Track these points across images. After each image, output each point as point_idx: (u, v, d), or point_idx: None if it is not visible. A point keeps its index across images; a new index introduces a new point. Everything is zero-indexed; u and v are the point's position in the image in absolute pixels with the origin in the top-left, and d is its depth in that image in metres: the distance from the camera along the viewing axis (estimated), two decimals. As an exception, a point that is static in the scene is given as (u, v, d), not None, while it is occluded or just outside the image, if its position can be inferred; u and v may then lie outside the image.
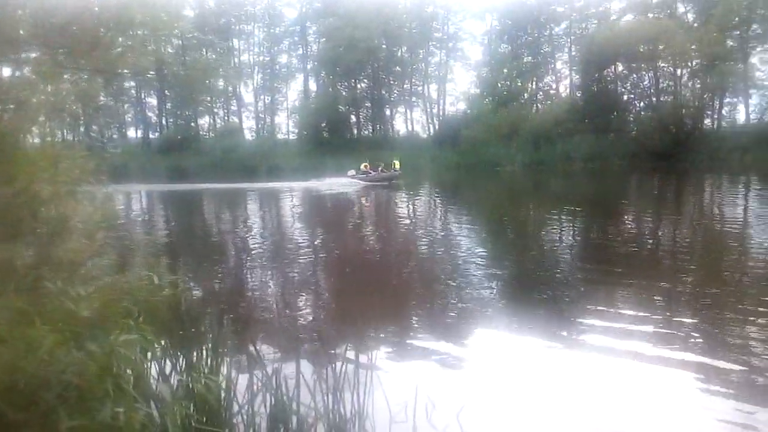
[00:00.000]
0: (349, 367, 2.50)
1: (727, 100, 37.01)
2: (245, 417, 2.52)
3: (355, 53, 39.51)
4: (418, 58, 42.13)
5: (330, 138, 41.00)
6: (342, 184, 23.46)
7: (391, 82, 42.72)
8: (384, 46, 40.58)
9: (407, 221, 13.13)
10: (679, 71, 37.61)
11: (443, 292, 6.08)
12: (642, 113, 37.46)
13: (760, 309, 4.93)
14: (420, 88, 43.17)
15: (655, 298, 5.59)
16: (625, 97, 37.81)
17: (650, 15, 37.69)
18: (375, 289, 6.18)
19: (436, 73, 42.51)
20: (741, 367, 3.74)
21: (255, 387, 2.54)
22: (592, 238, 10.25)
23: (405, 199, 19.51)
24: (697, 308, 5.16)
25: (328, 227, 12.83)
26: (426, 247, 9.24)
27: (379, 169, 24.79)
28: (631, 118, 37.53)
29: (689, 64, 37.34)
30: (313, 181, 24.86)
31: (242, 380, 2.64)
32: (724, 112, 37.06)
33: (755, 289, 5.91)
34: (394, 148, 40.14)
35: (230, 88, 44.12)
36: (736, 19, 36.06)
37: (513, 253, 8.62)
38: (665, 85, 37.59)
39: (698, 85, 37.24)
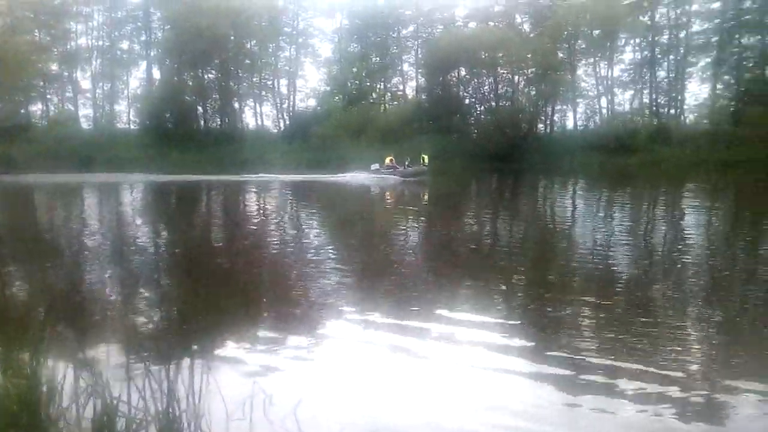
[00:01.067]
0: (184, 365, 2.68)
1: (558, 107, 44.86)
2: (68, 421, 2.67)
3: (202, 42, 43.37)
4: (267, 51, 46.88)
5: (175, 129, 43.91)
6: (367, 178, 25.29)
7: (241, 74, 46.83)
8: (233, 38, 44.66)
9: (259, 218, 13.78)
10: (516, 78, 45.63)
11: (288, 288, 6.61)
12: (482, 116, 44.54)
13: (584, 299, 5.86)
14: (270, 83, 48.14)
15: (492, 289, 6.41)
16: (467, 101, 44.97)
17: (491, 24, 45.90)
18: (218, 286, 6.64)
19: (287, 68, 47.59)
20: (567, 354, 4.23)
21: (80, 390, 2.69)
22: (434, 235, 11.60)
23: (254, 198, 20.34)
24: (529, 300, 5.96)
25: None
26: (277, 242, 10.12)
27: (405, 163, 26.72)
28: (473, 121, 44.49)
29: (525, 72, 45.60)
30: (339, 174, 26.98)
31: (68, 383, 2.77)
32: (555, 118, 45.06)
33: (579, 282, 6.90)
34: (243, 141, 45.36)
35: (65, 73, 46.66)
36: (565, 33, 45.09)
37: (361, 248, 9.56)
38: (504, 90, 45.02)
39: (533, 92, 45.45)
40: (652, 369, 3.94)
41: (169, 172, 29.71)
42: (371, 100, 45.54)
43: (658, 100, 44.11)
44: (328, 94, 45.61)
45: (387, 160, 26.64)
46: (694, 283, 6.87)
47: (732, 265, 8.01)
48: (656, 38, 43.85)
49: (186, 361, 2.79)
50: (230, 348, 4.50)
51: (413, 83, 49.10)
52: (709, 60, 43.53)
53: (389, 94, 48.43)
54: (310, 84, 50.23)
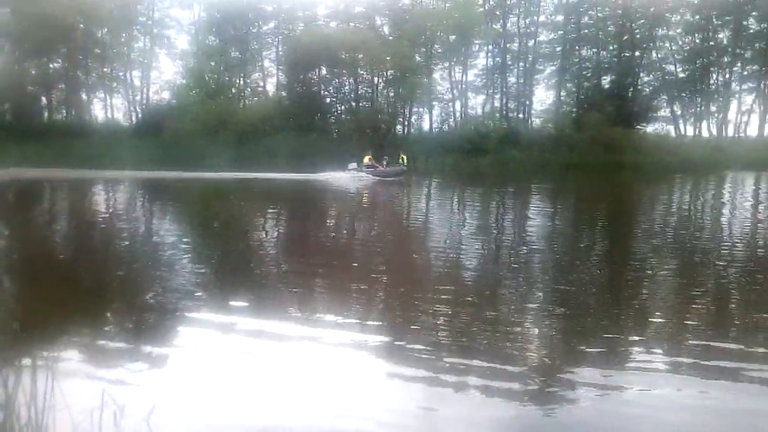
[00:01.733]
0: (25, 374, 2.62)
1: (416, 109, 50.33)
2: None
3: (47, 29, 45.71)
4: (120, 41, 48.24)
5: (14, 122, 44.50)
6: (344, 178, 27.07)
7: (90, 64, 48.04)
8: (82, 26, 45.81)
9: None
10: (376, 79, 51.35)
11: (141, 289, 7.02)
12: (343, 116, 49.12)
13: (441, 297, 6.62)
14: (122, 74, 49.58)
15: (351, 287, 7.02)
16: (328, 100, 49.13)
17: (352, 24, 51.29)
18: (61, 291, 6.91)
19: (140, 60, 49.19)
20: (420, 353, 4.81)
21: None
22: (295, 235, 12.89)
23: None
24: (383, 299, 6.67)
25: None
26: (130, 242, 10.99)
27: (384, 163, 28.69)
28: (333, 120, 49.11)
29: (385, 73, 51.33)
30: (319, 174, 28.66)
31: None
32: (412, 119, 50.52)
33: (431, 277, 7.88)
34: (91, 135, 47.04)
35: None
36: (423, 37, 51.24)
37: (222, 248, 10.48)
38: (364, 91, 50.67)
39: (392, 94, 51.45)
40: (497, 365, 4.52)
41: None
42: (230, 96, 48.93)
43: (509, 105, 50.90)
44: (185, 87, 47.88)
45: (366, 159, 28.44)
46: (538, 277, 8.24)
47: (569, 258, 9.56)
48: (507, 46, 50.69)
49: (27, 370, 2.68)
50: (76, 356, 4.64)
51: (274, 80, 52.49)
52: (554, 68, 51.30)
53: (249, 89, 51.57)
54: (165, 76, 52.15)
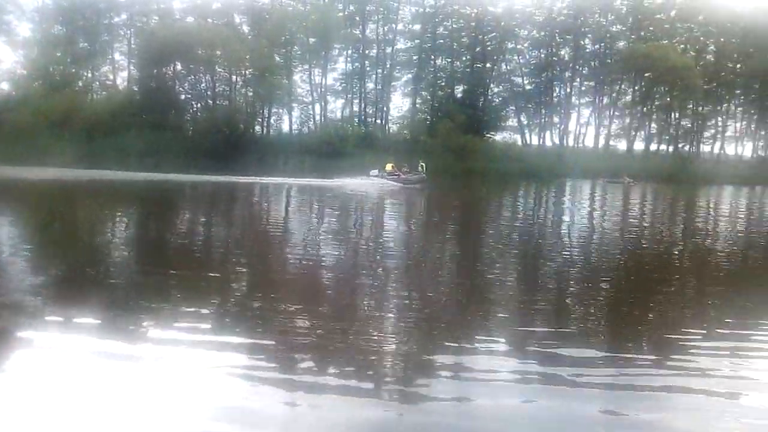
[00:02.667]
0: None
1: (275, 110, 56.32)
2: None
3: None
4: None
5: None
6: (370, 184, 30.86)
7: None
8: None
9: None
10: (234, 78, 57.72)
11: None
12: (199, 114, 53.50)
13: (295, 303, 7.50)
14: None
15: (197, 292, 7.95)
16: (183, 97, 53.37)
17: (210, 20, 56.85)
18: None
19: None
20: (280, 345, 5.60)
21: None
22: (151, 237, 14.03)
23: None
24: (240, 299, 7.76)
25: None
26: None
27: (404, 170, 32.53)
28: (189, 118, 53.51)
29: (243, 72, 57.98)
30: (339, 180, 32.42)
31: None
32: (272, 120, 56.47)
33: (288, 276, 9.30)
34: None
35: None
36: (283, 38, 58.57)
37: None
38: (221, 89, 56.28)
39: (251, 93, 58.24)
40: (345, 379, 5.06)
41: None
42: (77, 89, 52.39)
43: (367, 110, 59.28)
44: (26, 78, 50.20)
45: (388, 167, 32.60)
46: (392, 274, 9.77)
47: (419, 264, 11.04)
48: (366, 51, 59.16)
49: None
50: None
51: (125, 74, 55.89)
52: (410, 76, 60.65)
53: (98, 83, 54.63)
54: (4, 65, 53.00)
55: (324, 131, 53.91)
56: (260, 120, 55.84)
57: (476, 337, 6.47)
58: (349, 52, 57.17)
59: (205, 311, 7.03)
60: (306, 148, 50.38)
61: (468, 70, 60.17)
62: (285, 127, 56.52)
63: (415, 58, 58.47)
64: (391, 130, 58.06)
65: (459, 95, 59.62)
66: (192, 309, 7.10)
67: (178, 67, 53.71)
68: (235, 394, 4.71)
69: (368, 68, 57.66)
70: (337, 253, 11.97)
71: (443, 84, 59.78)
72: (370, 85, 57.87)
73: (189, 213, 20.08)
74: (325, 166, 45.90)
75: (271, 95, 54.95)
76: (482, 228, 17.60)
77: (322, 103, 56.48)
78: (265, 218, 18.97)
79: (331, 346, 5.96)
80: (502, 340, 6.37)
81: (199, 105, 54.70)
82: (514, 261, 11.92)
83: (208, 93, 54.56)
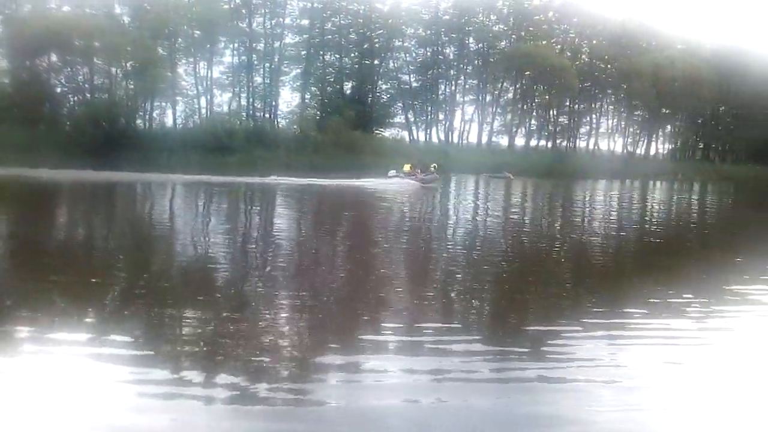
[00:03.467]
0: None
1: (158, 103, 55.97)
2: None
3: None
4: None
5: None
6: (393, 183, 32.51)
7: None
8: None
9: None
10: (114, 70, 56.39)
11: None
12: (77, 108, 52.17)
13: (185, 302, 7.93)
14: None
15: (77, 299, 7.89)
16: (59, 90, 51.75)
17: (88, 10, 55.42)
18: None
19: None
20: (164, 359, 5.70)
21: None
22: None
23: None
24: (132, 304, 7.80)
25: None
26: None
27: (418, 171, 34.34)
28: (65, 112, 51.92)
29: (124, 64, 56.61)
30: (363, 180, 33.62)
31: None
32: (155, 114, 55.60)
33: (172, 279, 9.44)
34: None
35: None
36: (166, 30, 57.46)
37: None
38: (101, 82, 55.15)
39: (132, 86, 57.03)
40: (240, 373, 5.35)
41: None
42: None
43: (255, 104, 59.40)
44: None
45: (407, 168, 34.84)
46: (284, 274, 10.13)
47: (315, 263, 11.38)
48: (254, 45, 59.08)
49: None
50: None
51: None
52: (299, 71, 61.22)
53: None
54: None
55: (210, 125, 53.17)
56: (142, 114, 54.27)
57: (363, 336, 6.71)
58: (236, 45, 56.60)
59: (85, 320, 7.07)
60: (191, 142, 49.72)
61: (356, 66, 61.27)
62: (169, 122, 55.16)
63: (303, 53, 58.83)
64: (280, 125, 58.03)
65: (348, 91, 60.66)
66: (71, 317, 7.12)
67: (54, 58, 51.27)
68: (117, 408, 4.73)
69: (256, 62, 57.42)
70: (222, 254, 12.09)
71: (332, 80, 60.62)
72: (258, 80, 57.51)
73: (71, 213, 19.52)
74: (212, 162, 45.70)
75: (154, 88, 53.60)
76: (372, 226, 18.03)
77: (208, 97, 55.91)
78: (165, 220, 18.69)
79: (219, 353, 6.05)
80: (390, 337, 6.66)
81: (76, 98, 52.49)
82: (401, 257, 12.43)
83: (86, 86, 52.57)
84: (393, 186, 32.09)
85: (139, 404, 4.87)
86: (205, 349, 6.16)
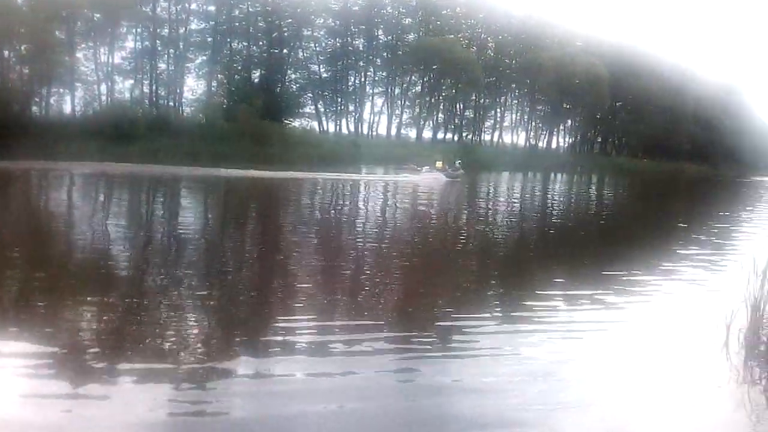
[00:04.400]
0: None
1: (56, 89, 54.05)
2: None
3: None
4: None
5: None
6: (432, 179, 35.78)
7: None
8: None
9: None
10: (6, 53, 54.16)
11: None
12: None
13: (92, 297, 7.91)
14: None
15: None
16: None
17: (-24, -10, 52.86)
18: None
19: None
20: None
21: None
22: None
23: None
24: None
25: None
26: None
27: (447, 167, 37.72)
28: None
29: (18, 47, 54.26)
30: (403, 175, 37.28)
31: None
32: (52, 101, 53.35)
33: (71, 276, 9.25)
34: None
35: None
36: (65, 12, 55.31)
37: None
38: None
39: (27, 71, 54.75)
40: (141, 378, 5.35)
41: None
42: None
43: (159, 92, 58.06)
44: None
45: (438, 164, 38.04)
46: (190, 269, 10.19)
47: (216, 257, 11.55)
48: (158, 30, 57.77)
49: None
50: None
51: None
52: (205, 58, 60.35)
53: None
54: None
55: (111, 113, 51.65)
56: (38, 100, 52.18)
57: (269, 338, 6.85)
58: (139, 30, 55.21)
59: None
60: (91, 131, 48.37)
61: (265, 55, 60.97)
62: (68, 109, 53.23)
63: (210, 39, 58.01)
64: (185, 114, 57.02)
65: (256, 80, 60.27)
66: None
67: (-63, 39, 48.50)
68: (11, 408, 4.69)
69: (160, 48, 56.21)
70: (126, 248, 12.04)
71: (240, 68, 60.05)
72: (162, 66, 56.40)
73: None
74: (113, 151, 44.87)
75: (51, 73, 51.60)
76: (280, 216, 18.51)
77: (109, 83, 54.28)
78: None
79: (118, 354, 6.00)
80: (299, 336, 6.81)
81: (-37, 83, 49.85)
82: (311, 252, 12.69)
83: (-18, 69, 49.97)
84: (428, 180, 35.33)
85: (33, 398, 4.88)
86: (101, 352, 6.05)
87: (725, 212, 30.82)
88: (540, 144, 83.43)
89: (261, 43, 61.26)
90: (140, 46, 56.28)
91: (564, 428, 5.05)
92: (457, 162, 40.15)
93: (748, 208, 34.39)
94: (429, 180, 35.35)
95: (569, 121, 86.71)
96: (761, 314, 7.39)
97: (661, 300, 9.94)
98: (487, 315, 8.38)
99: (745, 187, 64.52)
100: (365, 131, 66.41)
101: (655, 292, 10.50)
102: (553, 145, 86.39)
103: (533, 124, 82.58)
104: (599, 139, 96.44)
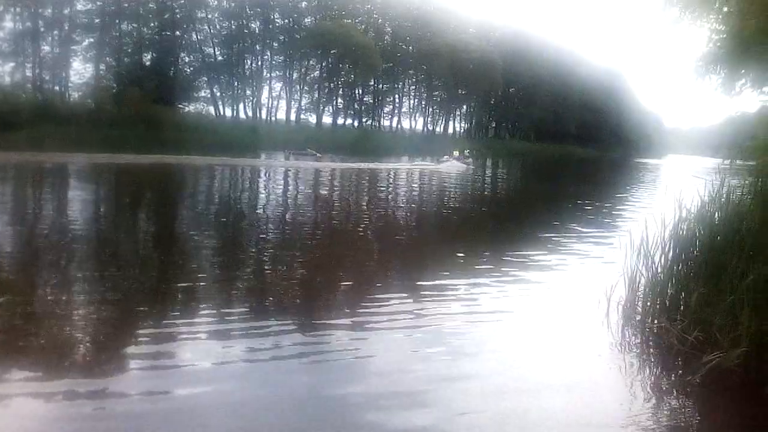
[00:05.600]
0: None
1: None
2: None
3: None
4: None
5: None
6: (452, 166, 40.57)
7: None
8: None
9: None
10: None
11: None
12: None
13: None
14: None
15: None
16: None
17: None
18: None
19: None
20: None
21: None
22: None
23: None
24: None
25: None
26: None
27: (462, 156, 44.97)
28: None
29: None
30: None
31: None
32: None
33: None
34: None
35: None
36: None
37: None
38: None
39: None
40: (41, 365, 5.39)
41: None
42: None
43: (43, 76, 55.76)
44: None
45: (456, 153, 45.06)
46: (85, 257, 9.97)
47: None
48: (40, 10, 55.13)
49: None
50: None
51: None
52: (92, 40, 57.80)
53: None
54: None
55: (-10, 99, 48.75)
56: None
57: (170, 321, 6.89)
58: (18, 9, 52.17)
59: None
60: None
61: (157, 37, 59.11)
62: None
63: (97, 21, 55.57)
64: (72, 99, 54.60)
65: (148, 63, 58.39)
66: None
67: None
68: None
69: (43, 29, 53.35)
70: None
71: (130, 51, 57.99)
72: (46, 48, 53.57)
73: None
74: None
75: None
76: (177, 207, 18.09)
77: (-14, 67, 51.12)
78: None
79: (16, 342, 5.93)
80: (198, 322, 6.89)
81: None
82: (212, 239, 12.55)
83: None
84: (452, 168, 39.67)
85: None
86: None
87: (612, 192, 33.04)
88: (437, 129, 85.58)
89: (152, 24, 59.34)
90: (21, 27, 53.12)
91: (460, 400, 5.43)
92: (466, 151, 48.84)
93: (630, 188, 37.05)
94: (451, 167, 39.99)
95: (465, 107, 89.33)
96: (637, 287, 8.25)
97: (552, 277, 10.62)
98: (387, 296, 8.59)
99: (629, 168, 68.86)
100: (264, 116, 65.71)
101: (546, 269, 11.38)
102: (450, 130, 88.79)
103: (430, 109, 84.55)
104: (493, 124, 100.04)
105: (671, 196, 8.68)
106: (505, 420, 5.16)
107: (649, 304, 7.89)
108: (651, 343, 7.28)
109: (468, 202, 24.74)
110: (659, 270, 8.15)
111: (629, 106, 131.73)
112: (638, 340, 7.40)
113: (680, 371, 6.38)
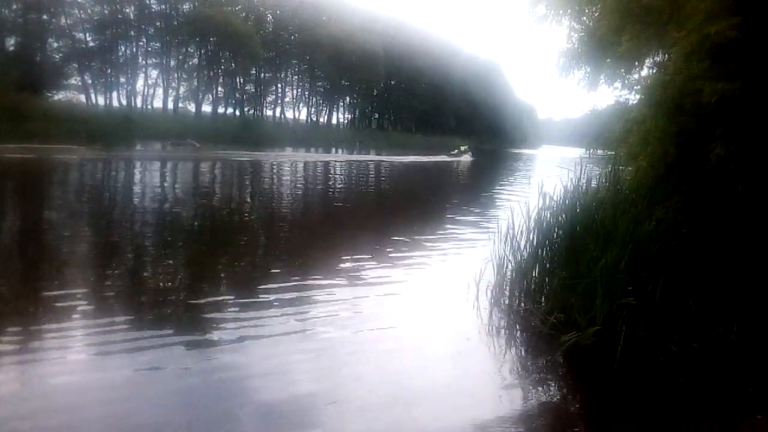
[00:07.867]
0: None
1: None
2: None
3: None
4: None
5: None
6: (459, 159, 54.37)
7: None
8: None
9: None
10: None
11: None
12: None
13: None
14: None
15: None
16: None
17: None
18: None
19: None
20: None
21: None
22: None
23: None
24: None
25: None
26: None
27: (464, 150, 58.23)
28: None
29: None
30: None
31: None
32: None
33: None
34: None
35: None
36: None
37: None
38: None
39: None
40: None
41: None
42: None
43: None
44: None
45: (462, 148, 58.99)
46: None
47: None
48: None
49: None
50: None
51: None
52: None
53: None
54: None
55: None
56: None
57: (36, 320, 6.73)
58: None
59: None
60: None
61: (21, 20, 55.64)
62: None
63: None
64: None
65: (11, 48, 54.90)
66: None
67: None
68: None
69: None
70: None
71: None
72: None
73: None
74: None
75: None
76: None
77: None
78: None
79: None
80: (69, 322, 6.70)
81: None
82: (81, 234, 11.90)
83: None
84: (462, 160, 52.07)
85: None
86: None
87: (492, 181, 34.75)
88: (321, 120, 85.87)
89: (15, 6, 55.69)
90: None
91: (344, 393, 5.62)
92: (465, 147, 60.99)
93: (508, 179, 38.96)
94: (461, 160, 52.49)
95: (348, 98, 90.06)
96: (505, 272, 8.77)
97: (426, 265, 10.88)
98: (265, 297, 8.37)
99: (508, 158, 71.95)
100: (139, 105, 63.53)
101: (422, 256, 11.72)
102: (334, 120, 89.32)
103: (314, 99, 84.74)
104: (376, 115, 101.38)
105: (536, 186, 9.27)
106: (372, 407, 5.41)
107: (515, 288, 8.31)
108: (518, 326, 7.65)
109: (347, 194, 25.02)
110: (524, 256, 8.74)
111: (506, 98, 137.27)
112: (506, 323, 7.76)
113: (544, 351, 6.76)
